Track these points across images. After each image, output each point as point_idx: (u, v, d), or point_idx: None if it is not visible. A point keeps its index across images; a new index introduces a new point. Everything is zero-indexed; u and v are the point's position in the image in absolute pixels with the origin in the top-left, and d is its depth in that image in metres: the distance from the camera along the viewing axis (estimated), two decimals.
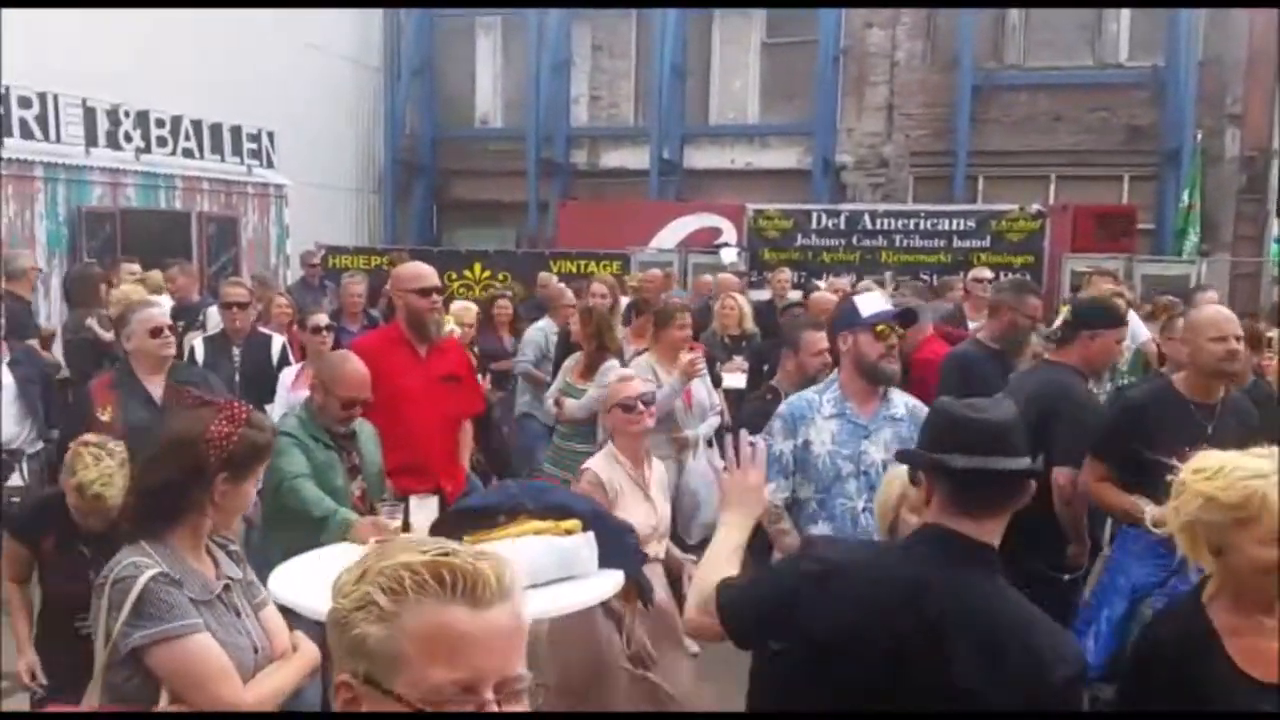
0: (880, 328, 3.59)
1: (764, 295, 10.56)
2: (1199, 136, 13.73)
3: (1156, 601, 3.61)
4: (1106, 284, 7.63)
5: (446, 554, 1.26)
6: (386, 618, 1.23)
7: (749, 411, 4.87)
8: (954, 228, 13.04)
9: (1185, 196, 13.39)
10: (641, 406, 3.86)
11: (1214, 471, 2.17)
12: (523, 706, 1.27)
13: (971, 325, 7.38)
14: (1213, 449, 3.55)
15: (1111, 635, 3.68)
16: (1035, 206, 12.93)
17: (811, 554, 2.33)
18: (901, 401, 3.73)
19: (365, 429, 4.12)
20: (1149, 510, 3.43)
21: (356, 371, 3.97)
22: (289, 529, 3.70)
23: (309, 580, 3.12)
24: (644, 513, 3.79)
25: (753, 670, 2.41)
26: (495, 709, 1.23)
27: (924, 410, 3.70)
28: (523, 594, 1.31)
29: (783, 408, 3.79)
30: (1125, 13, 14.77)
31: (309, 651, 2.55)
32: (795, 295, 9.77)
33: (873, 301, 3.82)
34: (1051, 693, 1.93)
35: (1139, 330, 7.41)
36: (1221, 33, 14.31)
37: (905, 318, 3.79)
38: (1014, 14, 15.09)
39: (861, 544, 2.60)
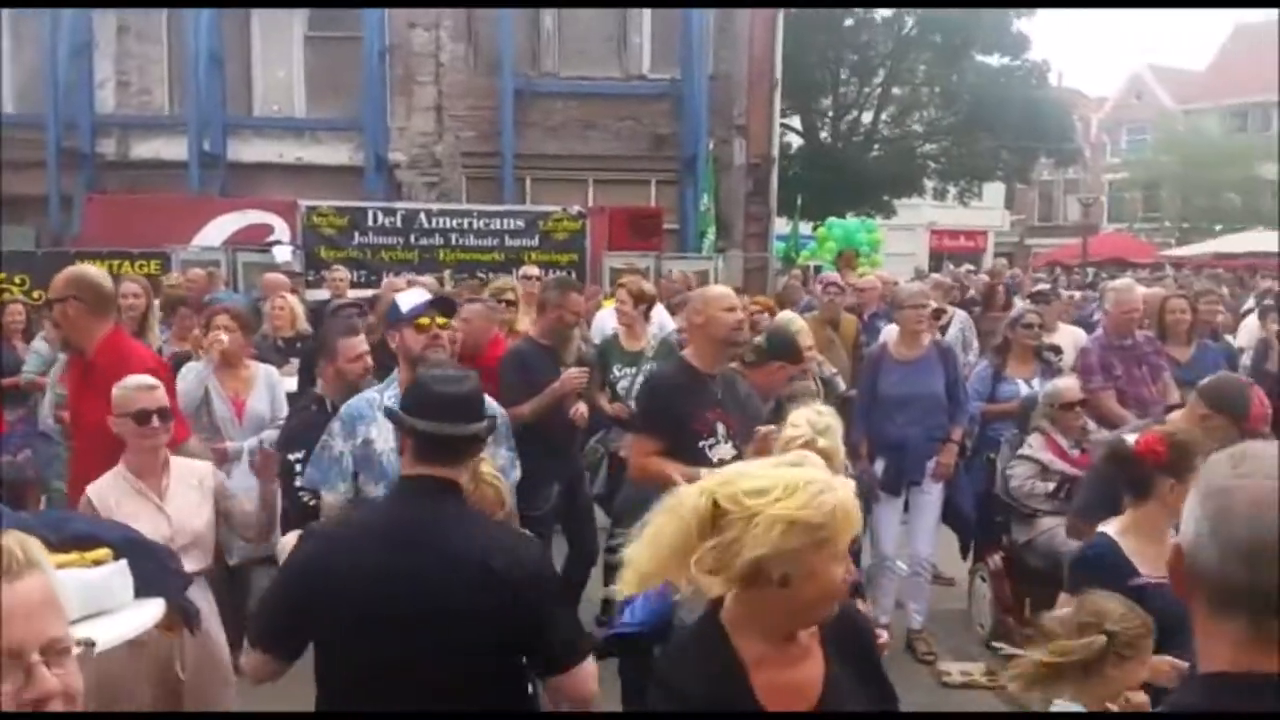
0: (421, 320, 3.72)
1: (322, 295, 10.43)
2: (712, 145, 15.35)
3: None
4: (634, 279, 8.42)
5: None
6: None
7: (295, 425, 4.59)
8: (505, 227, 13.56)
9: (704, 200, 14.92)
10: (157, 421, 3.60)
11: (787, 489, 1.94)
12: (72, 664, 1.34)
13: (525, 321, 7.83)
14: (722, 414, 4.19)
15: (658, 595, 4.14)
16: (576, 208, 13.80)
17: (310, 534, 2.67)
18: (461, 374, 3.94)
19: None
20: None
21: None
22: None
23: None
24: (152, 526, 3.52)
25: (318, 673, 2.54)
26: (45, 670, 1.29)
27: (490, 401, 3.98)
28: (48, 560, 1.39)
29: (343, 409, 3.79)
30: (647, 27, 16.06)
31: None
32: (355, 295, 9.79)
33: (412, 296, 3.93)
34: (514, 590, 2.36)
35: (666, 320, 8.28)
36: (728, 51, 16.06)
37: (440, 306, 3.89)
38: (549, 24, 15.94)
39: (361, 504, 3.16)
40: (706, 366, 4.35)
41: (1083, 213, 35.67)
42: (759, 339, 5.01)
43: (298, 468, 4.11)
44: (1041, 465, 5.58)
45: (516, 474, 4.02)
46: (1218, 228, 35.25)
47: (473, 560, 2.38)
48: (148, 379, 3.81)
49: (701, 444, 4.21)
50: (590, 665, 2.45)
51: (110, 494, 3.58)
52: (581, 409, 5.63)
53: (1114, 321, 6.45)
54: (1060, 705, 2.79)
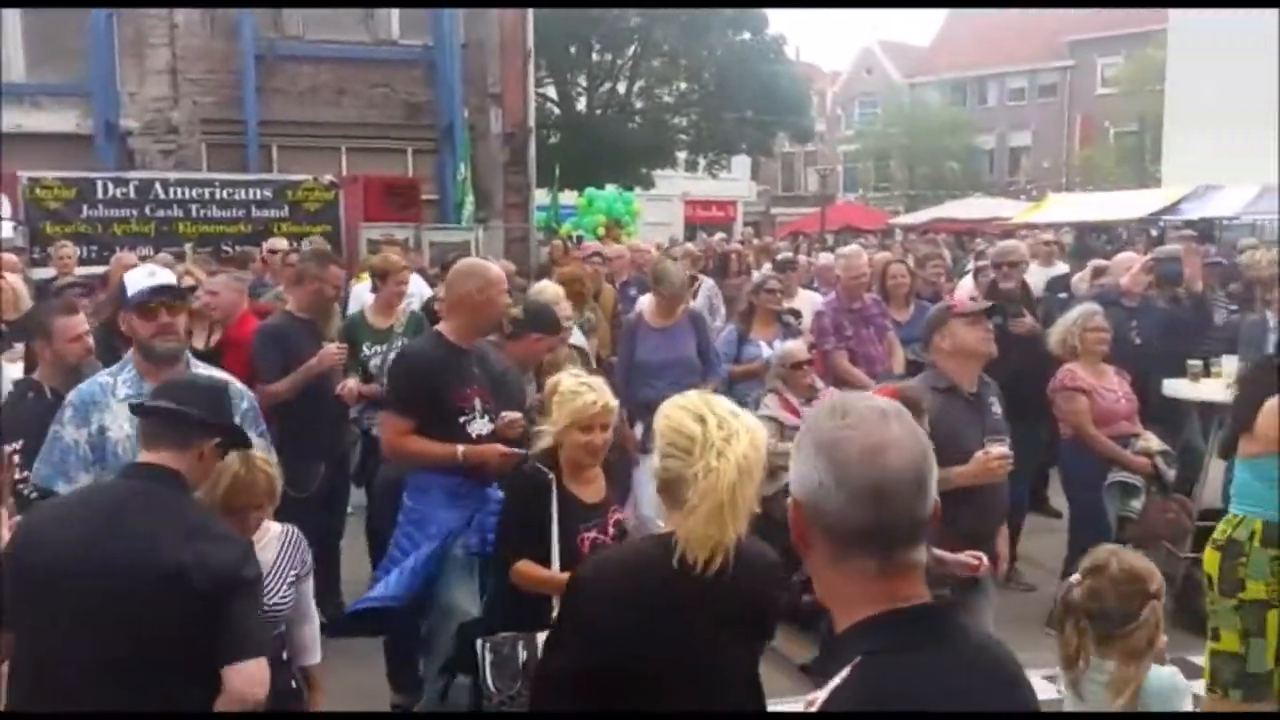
0: (151, 305, 3.54)
1: (48, 273, 9.77)
2: (467, 114, 15.25)
3: (470, 537, 4.17)
4: (395, 251, 8.32)
5: None
6: None
7: (9, 415, 4.17)
8: (251, 197, 13.02)
9: (460, 169, 14.83)
10: None
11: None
12: None
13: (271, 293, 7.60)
14: (479, 389, 4.26)
15: (418, 570, 4.10)
16: (328, 177, 13.42)
17: (32, 508, 2.81)
18: (207, 375, 3.71)
19: None
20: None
21: None
22: None
23: None
24: None
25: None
26: None
27: (236, 384, 3.78)
28: None
29: (72, 395, 3.58)
30: None
31: None
32: (84, 272, 9.21)
33: (138, 278, 3.67)
34: (195, 587, 2.43)
35: (424, 290, 8.27)
36: (479, 18, 15.93)
37: (166, 294, 3.65)
38: None
39: (86, 488, 3.21)
40: (463, 341, 4.32)
41: (820, 183, 37.74)
42: (515, 311, 5.08)
43: (16, 459, 3.81)
44: (779, 423, 5.99)
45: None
46: (941, 195, 38.17)
47: (159, 552, 2.43)
48: None
49: (462, 419, 4.20)
50: (253, 667, 2.47)
51: None
52: (350, 384, 5.51)
53: (844, 286, 6.97)
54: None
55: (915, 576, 1.46)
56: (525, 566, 3.48)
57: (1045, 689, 3.41)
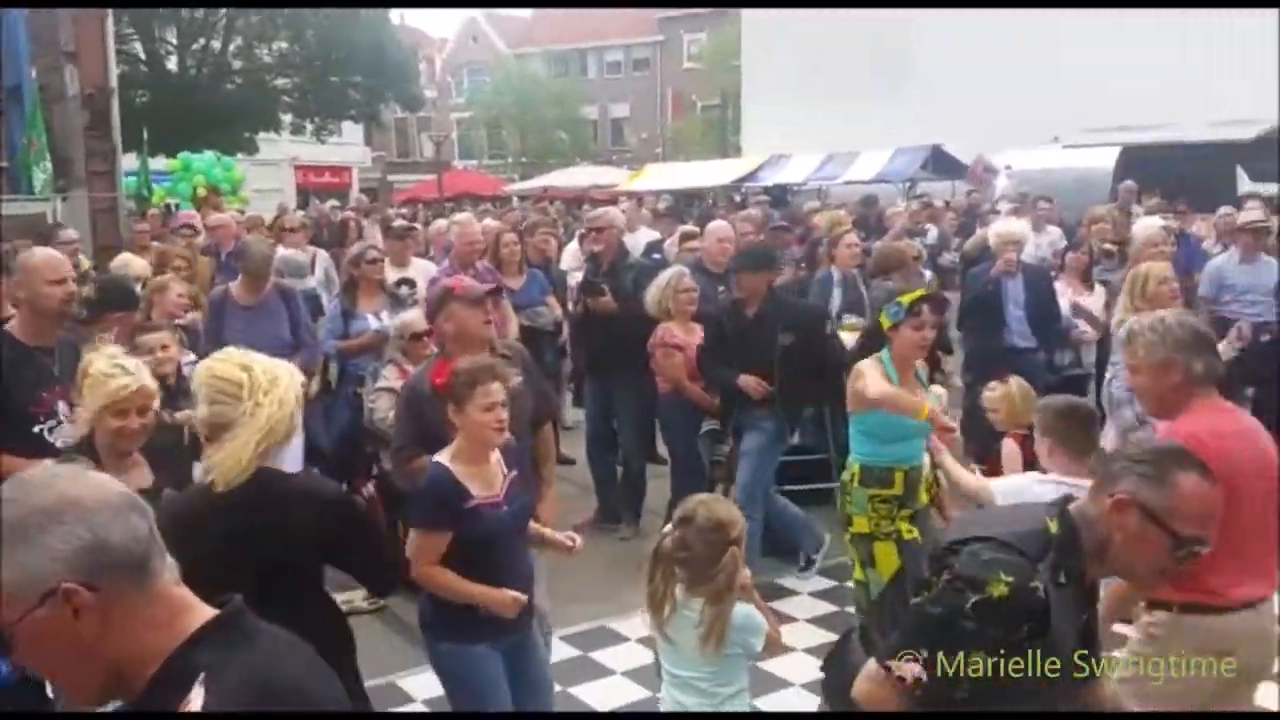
0: None
1: None
2: (35, 74, 13.77)
3: None
4: None
5: None
6: None
7: None
8: None
9: (29, 135, 13.40)
10: None
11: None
12: None
13: None
14: (64, 390, 3.92)
15: None
16: None
17: None
18: None
19: None
20: None
21: None
22: None
23: None
24: None
25: None
26: None
27: None
28: None
29: None
30: None
31: None
32: None
33: None
34: None
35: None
36: None
37: None
38: None
39: None
40: (33, 339, 3.96)
41: (436, 150, 37.63)
42: (87, 290, 4.68)
43: None
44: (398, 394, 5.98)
45: None
46: (551, 163, 39.33)
47: None
48: None
49: (39, 428, 3.85)
50: None
51: None
52: None
53: (458, 254, 7.14)
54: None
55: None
56: None
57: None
